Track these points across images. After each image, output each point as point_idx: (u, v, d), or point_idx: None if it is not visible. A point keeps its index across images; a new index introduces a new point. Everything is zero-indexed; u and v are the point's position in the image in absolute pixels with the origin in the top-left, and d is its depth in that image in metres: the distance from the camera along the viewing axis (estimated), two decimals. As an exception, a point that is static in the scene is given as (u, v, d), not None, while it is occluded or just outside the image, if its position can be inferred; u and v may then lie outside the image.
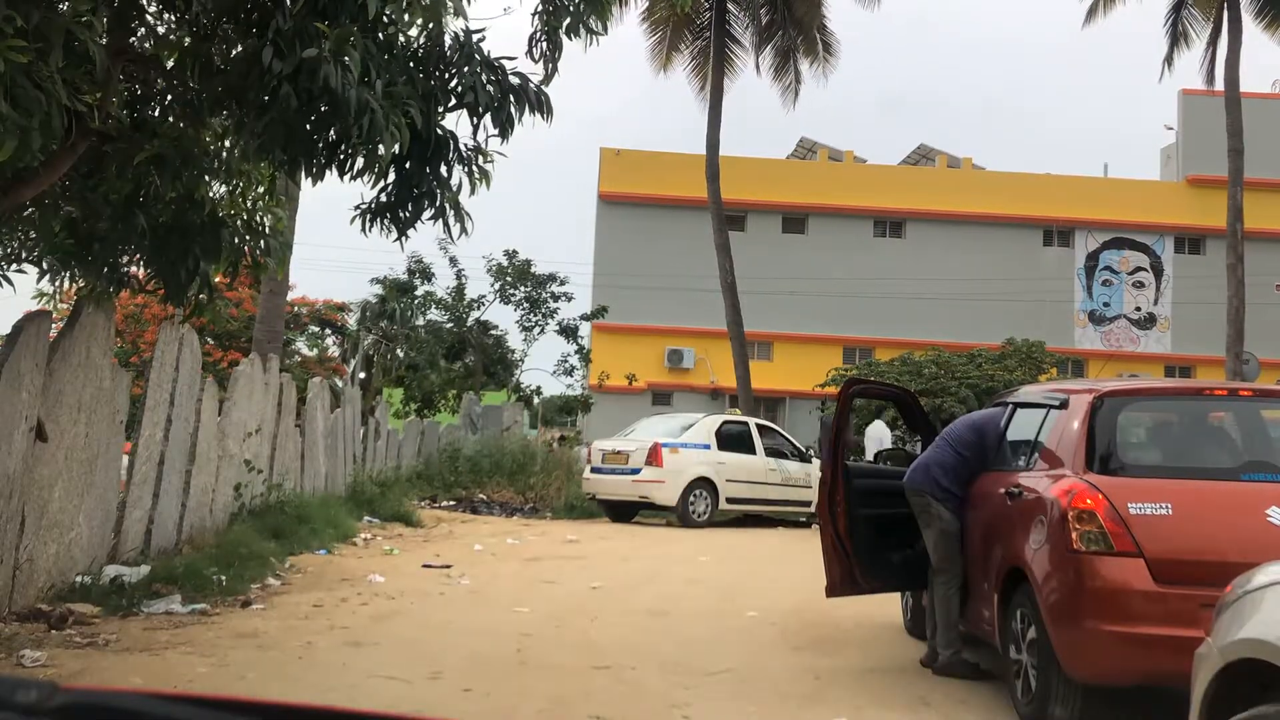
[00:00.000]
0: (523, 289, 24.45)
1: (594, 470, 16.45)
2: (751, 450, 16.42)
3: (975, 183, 34.59)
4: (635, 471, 15.71)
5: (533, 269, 24.68)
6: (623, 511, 16.39)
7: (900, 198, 33.60)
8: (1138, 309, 34.13)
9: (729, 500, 16.03)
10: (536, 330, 24.68)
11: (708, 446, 15.98)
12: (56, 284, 6.49)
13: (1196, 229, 33.50)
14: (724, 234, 23.78)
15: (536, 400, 27.77)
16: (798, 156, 37.71)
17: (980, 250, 33.03)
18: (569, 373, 25.50)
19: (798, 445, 17.49)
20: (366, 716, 1.18)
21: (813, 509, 16.93)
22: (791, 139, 47.75)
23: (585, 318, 25.61)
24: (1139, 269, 34.27)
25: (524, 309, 24.56)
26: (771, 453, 16.67)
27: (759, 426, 17.07)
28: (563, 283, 24.84)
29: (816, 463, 17.48)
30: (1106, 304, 34.02)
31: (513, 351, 26.00)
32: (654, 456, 15.63)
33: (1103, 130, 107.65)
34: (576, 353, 25.42)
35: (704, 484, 15.74)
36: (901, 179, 34.67)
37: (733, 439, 16.42)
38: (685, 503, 15.59)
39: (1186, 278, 33.29)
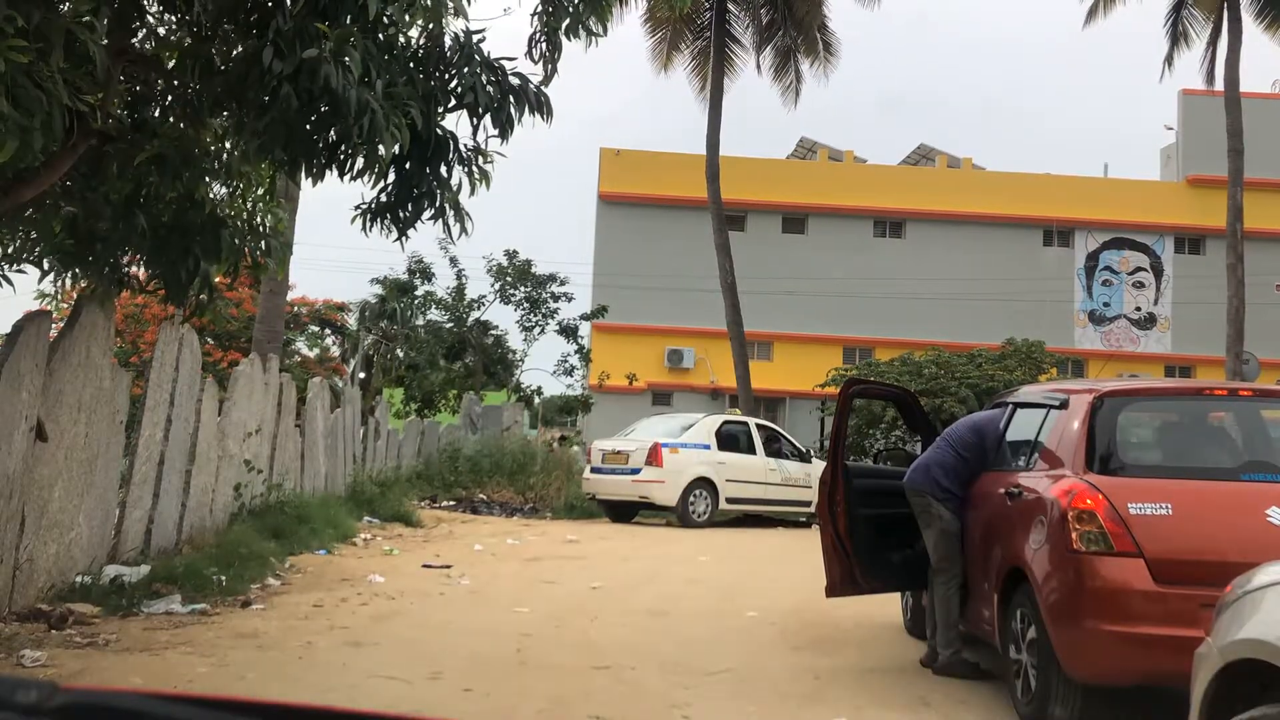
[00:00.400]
0: (523, 289, 24.45)
1: (594, 470, 16.45)
2: (751, 450, 16.43)
3: (975, 183, 34.61)
4: (635, 471, 15.71)
5: (533, 269, 24.71)
6: (623, 511, 16.40)
7: (900, 198, 33.62)
8: (1138, 309, 34.15)
9: (729, 500, 16.04)
10: (536, 330, 24.70)
11: (708, 446, 15.99)
12: (59, 284, 6.50)
13: (1196, 229, 33.50)
14: (724, 234, 23.80)
15: (537, 400, 27.79)
16: (798, 156, 37.74)
17: (980, 250, 33.04)
18: (569, 373, 25.51)
19: (797, 445, 17.50)
20: (366, 716, 1.19)
21: (813, 509, 16.96)
22: (791, 139, 47.78)
23: (585, 317, 25.61)
24: (1139, 269, 34.27)
25: (524, 309, 24.57)
26: (771, 453, 16.68)
27: (759, 426, 17.08)
28: (563, 283, 24.87)
29: (816, 462, 17.50)
30: (1106, 304, 34.03)
31: (513, 351, 26.04)
32: (654, 456, 15.64)
33: (1103, 130, 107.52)
34: (577, 353, 25.42)
35: (704, 484, 15.75)
36: (901, 179, 34.69)
37: (733, 439, 16.43)
38: (685, 503, 15.60)
39: (1186, 278, 33.31)
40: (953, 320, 31.24)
